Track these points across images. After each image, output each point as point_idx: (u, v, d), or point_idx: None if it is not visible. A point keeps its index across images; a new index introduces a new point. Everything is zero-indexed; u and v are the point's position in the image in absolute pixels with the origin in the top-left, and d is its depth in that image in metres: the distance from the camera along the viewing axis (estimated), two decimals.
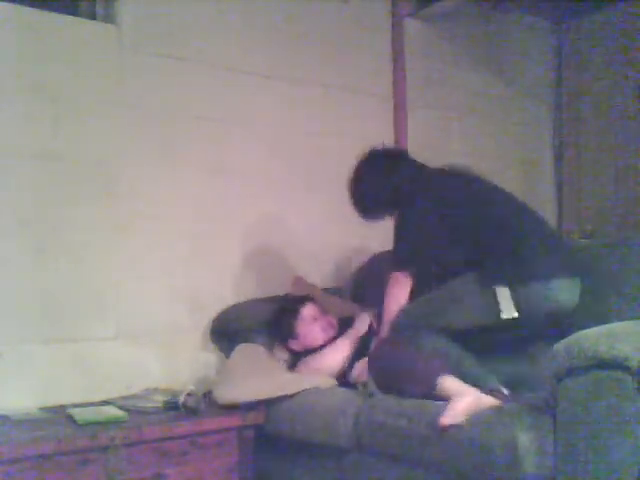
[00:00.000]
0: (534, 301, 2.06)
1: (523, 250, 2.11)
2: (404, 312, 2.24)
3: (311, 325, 2.53)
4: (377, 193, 2.37)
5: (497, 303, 2.05)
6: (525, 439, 1.58)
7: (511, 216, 2.21)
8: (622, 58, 3.67)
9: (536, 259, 2.10)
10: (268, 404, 2.24)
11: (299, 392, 2.23)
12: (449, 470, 1.76)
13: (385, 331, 2.26)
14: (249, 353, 2.52)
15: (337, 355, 2.41)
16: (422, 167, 2.39)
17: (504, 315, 2.04)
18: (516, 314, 2.04)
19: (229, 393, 2.26)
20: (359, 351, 2.39)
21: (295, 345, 2.54)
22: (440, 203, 2.23)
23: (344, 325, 2.58)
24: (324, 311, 2.59)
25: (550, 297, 2.06)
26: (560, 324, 2.05)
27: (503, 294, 2.05)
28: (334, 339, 2.50)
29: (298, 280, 2.88)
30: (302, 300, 2.61)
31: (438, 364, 1.98)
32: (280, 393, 2.23)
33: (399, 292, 2.24)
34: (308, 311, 2.55)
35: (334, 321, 2.58)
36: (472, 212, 2.20)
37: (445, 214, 2.21)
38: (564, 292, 2.09)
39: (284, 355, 2.57)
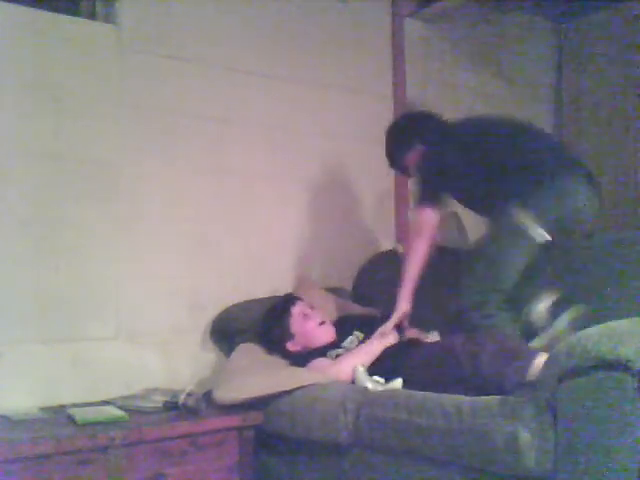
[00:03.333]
0: (549, 208, 2.13)
1: (531, 167, 2.17)
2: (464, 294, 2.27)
3: (305, 322, 2.51)
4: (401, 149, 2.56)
5: (528, 235, 2.10)
6: (527, 434, 1.58)
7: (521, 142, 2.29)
8: (622, 58, 3.67)
9: (544, 171, 2.16)
10: (267, 402, 2.23)
11: (298, 388, 2.21)
12: (450, 464, 1.76)
13: (407, 291, 2.36)
14: (249, 353, 2.51)
15: (353, 363, 2.28)
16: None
17: (539, 240, 2.09)
18: (549, 237, 2.09)
19: (228, 393, 2.25)
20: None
21: (292, 346, 2.52)
22: (456, 140, 2.38)
23: (348, 322, 2.58)
24: (313, 307, 2.57)
25: (563, 199, 2.13)
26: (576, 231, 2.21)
27: (528, 223, 2.10)
28: (335, 339, 2.49)
29: (303, 280, 2.88)
30: (289, 299, 2.59)
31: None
32: (278, 389, 2.22)
33: (420, 243, 2.37)
34: (299, 309, 2.53)
35: (325, 315, 2.56)
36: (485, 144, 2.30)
37: (461, 148, 2.34)
38: (574, 194, 2.15)
39: (283, 360, 2.51)
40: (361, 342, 2.44)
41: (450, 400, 1.80)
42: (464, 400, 1.78)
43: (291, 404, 2.19)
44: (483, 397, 1.76)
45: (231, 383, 2.30)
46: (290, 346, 2.52)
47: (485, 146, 2.32)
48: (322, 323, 2.53)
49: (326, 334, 2.51)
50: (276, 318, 2.54)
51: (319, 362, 2.37)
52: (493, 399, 1.73)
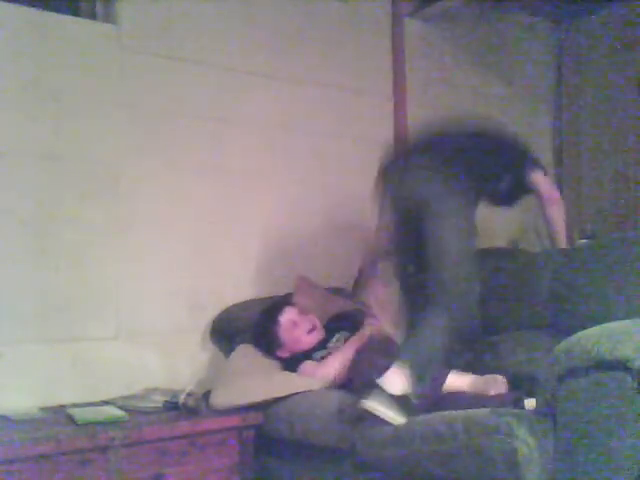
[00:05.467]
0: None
1: None
2: None
3: (293, 330, 2.49)
4: None
5: None
6: (526, 447, 1.56)
7: None
8: (622, 58, 3.67)
9: None
10: (264, 407, 2.24)
11: (291, 394, 2.22)
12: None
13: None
14: (248, 354, 2.51)
15: (337, 365, 2.33)
16: None
17: None
18: None
19: (224, 398, 2.25)
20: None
21: (282, 353, 2.51)
22: None
23: (340, 320, 2.58)
24: (304, 312, 2.56)
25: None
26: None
27: None
28: (321, 340, 2.49)
29: (301, 280, 2.88)
30: (279, 307, 2.57)
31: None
32: (272, 396, 2.23)
33: None
34: (287, 317, 2.51)
35: (316, 320, 2.55)
36: None
37: None
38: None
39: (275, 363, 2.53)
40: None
41: (442, 418, 1.76)
42: (456, 417, 1.74)
43: (290, 408, 2.20)
44: (474, 411, 1.73)
45: (228, 387, 2.30)
46: (279, 353, 2.51)
47: None
48: (311, 330, 2.51)
49: (312, 341, 2.50)
50: (265, 327, 2.53)
51: (305, 366, 2.40)
52: (485, 413, 1.69)
